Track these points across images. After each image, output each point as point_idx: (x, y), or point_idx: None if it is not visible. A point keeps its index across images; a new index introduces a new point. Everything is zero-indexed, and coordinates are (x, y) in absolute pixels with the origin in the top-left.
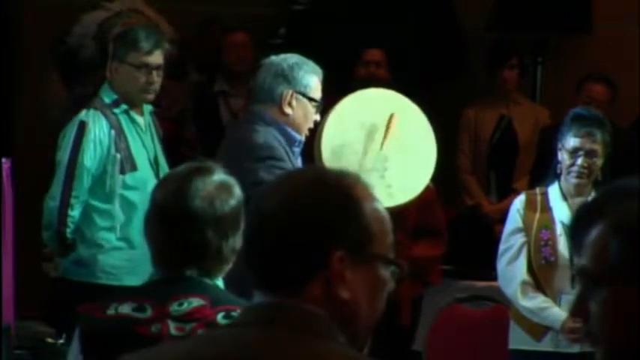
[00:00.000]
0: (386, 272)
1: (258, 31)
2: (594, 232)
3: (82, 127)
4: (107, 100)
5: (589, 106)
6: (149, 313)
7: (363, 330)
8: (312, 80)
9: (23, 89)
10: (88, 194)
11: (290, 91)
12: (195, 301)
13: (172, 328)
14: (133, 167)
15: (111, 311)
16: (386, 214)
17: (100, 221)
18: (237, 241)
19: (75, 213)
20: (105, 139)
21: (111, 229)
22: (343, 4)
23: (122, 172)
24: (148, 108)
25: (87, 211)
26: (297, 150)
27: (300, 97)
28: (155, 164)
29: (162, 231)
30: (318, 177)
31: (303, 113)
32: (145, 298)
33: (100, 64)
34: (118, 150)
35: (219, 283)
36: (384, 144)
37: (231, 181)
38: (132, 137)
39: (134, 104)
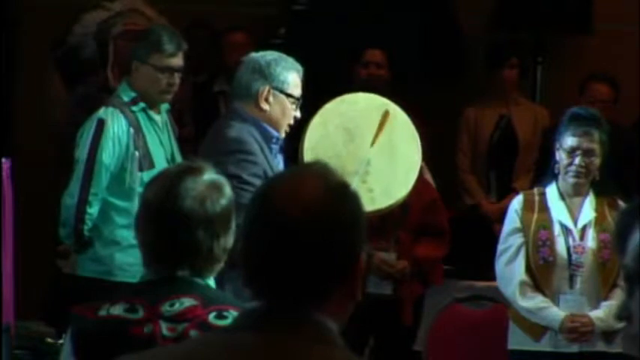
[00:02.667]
0: None
1: (258, 31)
2: (637, 234)
3: (101, 124)
4: (125, 99)
5: (591, 106)
6: (141, 313)
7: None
8: (290, 76)
9: (23, 89)
10: (106, 192)
11: (266, 87)
12: (187, 302)
13: (164, 328)
14: (151, 165)
15: (102, 312)
16: None
17: (118, 219)
18: (228, 241)
19: (93, 210)
20: (123, 136)
21: (128, 226)
22: (343, 4)
23: (140, 169)
24: (165, 106)
25: (105, 209)
26: (275, 147)
27: (277, 93)
28: (172, 162)
29: (153, 231)
30: (334, 181)
31: (280, 109)
32: (137, 299)
33: (101, 63)
34: (136, 148)
35: (211, 282)
36: (376, 141)
37: (222, 180)
38: (150, 135)
39: (152, 104)
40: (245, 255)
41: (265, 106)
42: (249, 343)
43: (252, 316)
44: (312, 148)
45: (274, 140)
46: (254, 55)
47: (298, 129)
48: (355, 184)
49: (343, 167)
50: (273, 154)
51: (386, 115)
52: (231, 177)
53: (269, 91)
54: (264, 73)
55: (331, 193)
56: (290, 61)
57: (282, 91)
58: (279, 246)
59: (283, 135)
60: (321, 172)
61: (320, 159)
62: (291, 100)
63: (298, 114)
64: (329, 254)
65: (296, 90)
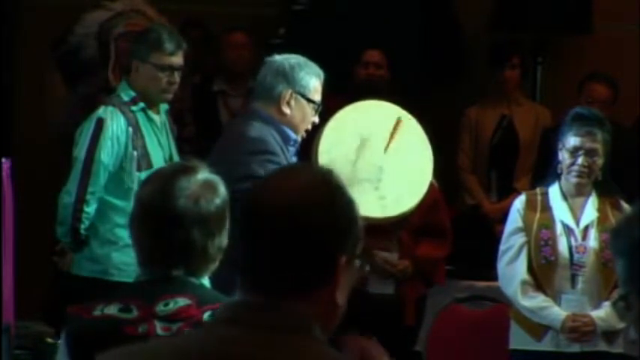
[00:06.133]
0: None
1: (258, 31)
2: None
3: (100, 123)
4: (125, 98)
5: (589, 106)
6: (135, 313)
7: (335, 325)
8: (312, 82)
9: (23, 89)
10: (103, 191)
11: (289, 91)
12: (182, 301)
13: (159, 328)
14: (149, 165)
15: (97, 312)
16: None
17: (116, 218)
18: (222, 240)
19: (90, 209)
20: (122, 136)
21: (126, 225)
22: (343, 4)
23: (138, 169)
24: (164, 107)
25: (102, 208)
26: (293, 149)
27: (299, 97)
28: (170, 162)
29: (147, 231)
30: (325, 180)
31: (301, 114)
32: (131, 299)
33: (102, 63)
34: (134, 147)
35: (206, 282)
36: (389, 147)
37: (216, 179)
38: (148, 135)
39: (152, 103)
40: (235, 248)
41: (287, 110)
42: (230, 335)
43: (233, 309)
44: (326, 152)
45: (292, 142)
46: (278, 57)
47: (311, 133)
48: (367, 191)
49: (356, 173)
50: (290, 155)
51: (398, 122)
52: (254, 177)
53: (291, 95)
54: (287, 77)
55: (316, 191)
56: (313, 66)
57: (303, 96)
58: (259, 238)
59: (300, 138)
60: (314, 172)
61: (330, 164)
62: (312, 105)
63: (316, 119)
64: (304, 251)
65: (317, 96)
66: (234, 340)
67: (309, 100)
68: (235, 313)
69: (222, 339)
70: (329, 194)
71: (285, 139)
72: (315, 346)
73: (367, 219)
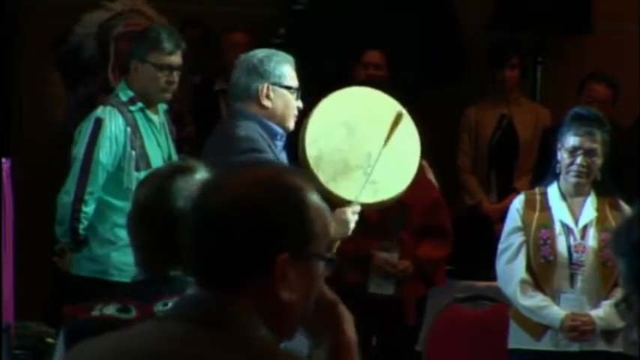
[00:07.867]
0: (321, 268)
1: (258, 31)
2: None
3: (99, 123)
4: (124, 98)
5: (589, 106)
6: (134, 313)
7: (296, 323)
8: (285, 69)
9: (23, 89)
10: (102, 190)
11: (265, 84)
12: None
13: None
14: (148, 165)
15: (95, 312)
16: (328, 214)
17: (115, 218)
18: None
19: (88, 209)
20: (121, 135)
21: (125, 225)
22: (343, 4)
23: (137, 169)
24: (162, 107)
25: (101, 208)
26: (280, 144)
27: (277, 88)
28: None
29: (145, 231)
30: (272, 177)
31: (282, 103)
32: (130, 299)
33: (102, 63)
34: (133, 147)
35: None
36: (389, 142)
37: None
38: (147, 135)
39: (151, 103)
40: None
41: (267, 103)
42: (171, 331)
43: (181, 304)
44: (314, 142)
45: (279, 137)
46: (245, 55)
47: (297, 124)
48: (360, 177)
49: (346, 161)
50: (278, 150)
51: (399, 116)
52: None
53: (268, 88)
54: (259, 71)
55: (268, 188)
56: (281, 54)
57: (280, 85)
58: (199, 232)
59: (292, 126)
60: (272, 168)
61: (319, 155)
62: (291, 91)
63: (300, 104)
64: (236, 246)
65: (292, 81)
66: (169, 338)
67: (287, 87)
68: (176, 308)
69: (168, 336)
70: (267, 192)
71: (272, 135)
72: (246, 342)
73: (362, 205)
